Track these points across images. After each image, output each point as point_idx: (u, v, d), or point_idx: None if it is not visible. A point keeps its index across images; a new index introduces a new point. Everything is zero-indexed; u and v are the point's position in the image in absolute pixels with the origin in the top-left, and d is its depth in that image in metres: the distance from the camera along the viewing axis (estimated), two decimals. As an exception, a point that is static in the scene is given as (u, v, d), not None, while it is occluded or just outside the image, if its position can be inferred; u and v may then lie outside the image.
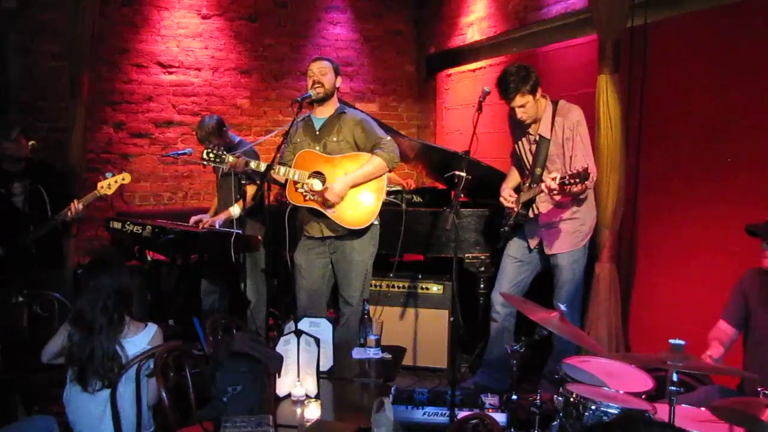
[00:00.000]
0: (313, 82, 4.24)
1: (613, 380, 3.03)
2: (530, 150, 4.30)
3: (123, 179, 4.63)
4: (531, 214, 4.32)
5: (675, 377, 2.50)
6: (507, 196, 4.35)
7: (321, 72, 4.25)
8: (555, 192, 3.81)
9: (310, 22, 7.46)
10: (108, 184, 4.56)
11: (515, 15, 6.21)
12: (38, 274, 4.60)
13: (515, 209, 4.29)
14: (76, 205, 4.53)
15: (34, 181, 4.64)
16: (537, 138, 4.22)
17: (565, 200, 4.19)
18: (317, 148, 4.29)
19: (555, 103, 4.22)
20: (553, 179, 3.75)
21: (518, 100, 4.11)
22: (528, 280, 4.50)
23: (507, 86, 4.10)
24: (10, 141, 4.51)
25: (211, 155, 4.23)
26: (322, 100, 4.30)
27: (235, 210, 4.99)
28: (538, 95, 4.13)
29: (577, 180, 3.68)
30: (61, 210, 4.57)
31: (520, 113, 4.16)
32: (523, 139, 4.36)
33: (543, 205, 4.27)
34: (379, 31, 7.81)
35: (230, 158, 4.23)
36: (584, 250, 4.33)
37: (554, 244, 4.30)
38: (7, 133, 4.52)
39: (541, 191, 3.93)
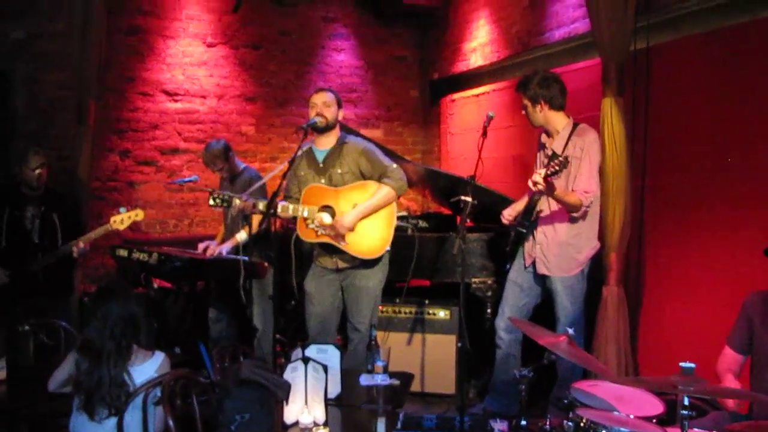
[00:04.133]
0: (316, 114, 4.23)
1: (624, 404, 3.00)
2: (543, 164, 4.32)
3: (136, 215, 4.68)
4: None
5: (686, 401, 2.48)
6: (506, 214, 4.37)
7: (324, 104, 4.24)
8: (541, 186, 3.81)
9: (314, 49, 7.52)
10: (121, 219, 4.63)
11: (518, 40, 6.26)
12: (45, 302, 4.63)
13: (514, 224, 4.31)
14: (80, 245, 4.62)
15: (48, 208, 4.72)
16: (550, 153, 4.24)
17: (563, 216, 4.18)
18: (322, 180, 4.29)
19: (576, 125, 4.25)
20: (539, 173, 3.78)
21: (522, 99, 4.29)
22: (530, 306, 4.47)
23: (519, 81, 4.34)
24: (31, 170, 4.62)
25: (218, 200, 4.18)
26: (324, 130, 4.29)
27: (242, 236, 4.99)
28: (542, 108, 4.20)
29: (557, 168, 3.73)
30: (71, 240, 4.64)
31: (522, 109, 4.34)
32: (541, 151, 4.41)
33: (544, 224, 4.28)
34: (382, 57, 7.87)
35: (237, 201, 4.14)
36: (580, 277, 4.29)
37: (547, 266, 4.29)
38: (28, 162, 4.63)
39: (532, 191, 3.96)
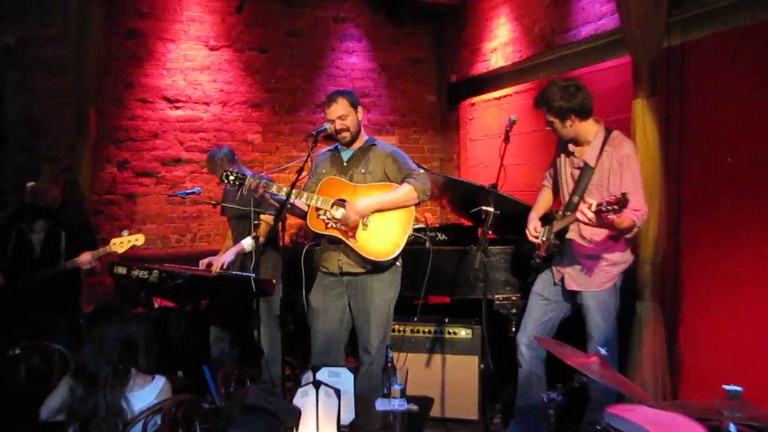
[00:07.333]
0: (337, 131, 4.25)
1: (662, 431, 2.95)
2: (572, 175, 4.24)
3: (137, 240, 4.84)
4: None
5: (733, 429, 2.42)
6: (532, 230, 4.27)
7: (341, 118, 4.24)
8: (592, 221, 3.72)
9: (324, 51, 7.53)
10: (121, 242, 4.79)
11: (542, 38, 6.24)
12: (45, 319, 4.74)
13: (541, 245, 4.22)
14: (88, 258, 4.77)
15: (57, 224, 4.93)
16: (582, 164, 4.16)
17: (611, 234, 4.09)
18: (343, 179, 4.30)
19: (608, 132, 4.14)
20: (589, 206, 3.67)
21: (545, 115, 4.09)
22: (555, 321, 4.40)
23: (536, 98, 4.11)
24: (35, 188, 4.86)
25: (230, 177, 4.25)
26: (350, 143, 4.33)
27: (247, 242, 4.99)
28: (573, 122, 4.07)
29: (615, 207, 3.57)
30: (73, 257, 4.79)
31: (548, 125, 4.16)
32: (566, 158, 4.28)
33: (573, 235, 4.21)
34: (397, 59, 7.87)
35: (250, 180, 4.21)
36: (613, 291, 4.21)
37: (576, 281, 4.22)
38: (39, 178, 4.89)
39: (576, 220, 3.86)
